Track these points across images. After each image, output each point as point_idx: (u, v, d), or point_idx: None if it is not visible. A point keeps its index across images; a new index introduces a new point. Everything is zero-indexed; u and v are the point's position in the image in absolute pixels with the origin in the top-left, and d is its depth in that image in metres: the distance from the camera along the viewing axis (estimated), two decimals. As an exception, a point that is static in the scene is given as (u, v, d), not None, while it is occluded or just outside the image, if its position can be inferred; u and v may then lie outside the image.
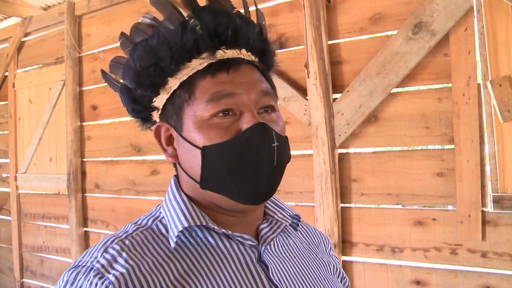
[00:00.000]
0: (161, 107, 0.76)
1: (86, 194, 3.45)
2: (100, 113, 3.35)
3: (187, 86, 0.72)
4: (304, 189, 2.41)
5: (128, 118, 3.15)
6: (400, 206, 2.17)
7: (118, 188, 3.24)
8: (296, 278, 0.77)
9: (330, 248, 0.95)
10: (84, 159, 3.45)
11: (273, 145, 0.70)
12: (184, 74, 0.72)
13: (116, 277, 0.64)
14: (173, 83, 0.73)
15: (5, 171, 4.17)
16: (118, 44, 0.81)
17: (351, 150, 2.29)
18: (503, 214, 1.91)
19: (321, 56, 2.25)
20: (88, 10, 3.37)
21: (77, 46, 3.41)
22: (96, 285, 0.64)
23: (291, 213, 0.84)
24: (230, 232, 0.72)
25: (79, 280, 0.65)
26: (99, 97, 3.33)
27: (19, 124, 3.92)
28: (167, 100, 0.75)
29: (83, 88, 3.44)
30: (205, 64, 0.72)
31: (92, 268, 0.66)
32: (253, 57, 0.76)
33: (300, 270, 0.79)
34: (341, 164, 2.29)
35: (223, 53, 0.72)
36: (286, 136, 0.75)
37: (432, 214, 2.08)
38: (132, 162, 3.18)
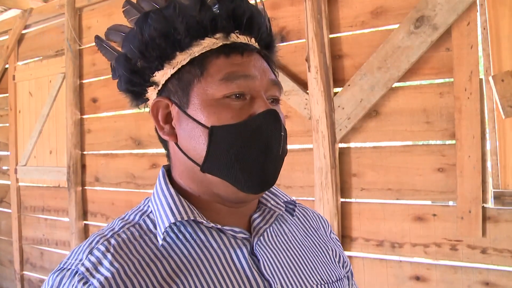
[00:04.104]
0: (162, 82, 0.73)
1: (86, 187, 3.44)
2: (100, 106, 3.34)
3: (199, 62, 0.70)
4: (304, 184, 2.40)
5: (129, 111, 3.15)
6: (400, 201, 2.16)
7: (118, 181, 3.24)
8: (290, 269, 0.74)
9: (330, 231, 0.92)
10: (84, 152, 3.44)
11: (281, 133, 0.70)
12: (195, 51, 0.70)
13: (101, 282, 0.62)
14: (182, 58, 0.71)
15: (5, 164, 4.17)
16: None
17: (351, 144, 2.28)
18: (504, 210, 1.90)
19: (322, 50, 2.23)
20: (88, 2, 3.35)
21: (78, 39, 3.39)
22: None
23: (285, 199, 0.82)
24: (220, 226, 0.70)
25: (64, 284, 0.64)
26: (100, 90, 3.32)
27: (19, 117, 3.91)
28: (171, 75, 0.72)
29: (84, 81, 3.42)
30: (220, 44, 0.71)
31: (77, 272, 0.64)
32: (259, 47, 0.76)
33: (295, 259, 0.77)
34: (342, 159, 2.28)
35: (236, 37, 0.72)
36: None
37: (433, 209, 2.07)
38: (132, 155, 3.18)
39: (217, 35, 0.71)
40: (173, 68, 0.71)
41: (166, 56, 0.71)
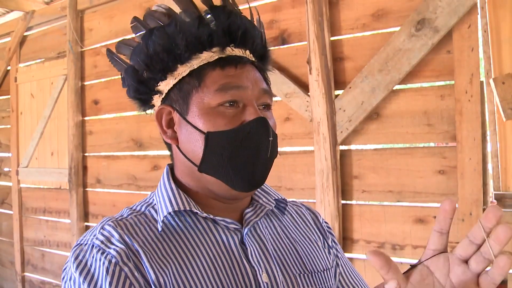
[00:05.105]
0: (165, 91, 0.81)
1: (87, 189, 3.45)
2: (101, 108, 3.34)
3: (197, 74, 0.78)
4: (305, 186, 2.40)
5: (130, 113, 3.16)
6: (401, 204, 2.16)
7: (119, 183, 3.24)
8: (275, 259, 0.81)
9: (322, 220, 0.98)
10: (86, 154, 3.45)
11: (269, 139, 0.78)
12: (194, 64, 0.78)
13: (117, 251, 0.71)
14: (182, 70, 0.79)
15: (7, 165, 4.17)
16: (129, 29, 0.85)
17: (352, 146, 2.29)
18: (505, 213, 1.90)
19: (323, 52, 2.24)
20: (90, 4, 3.36)
21: (79, 41, 3.40)
22: (100, 260, 0.71)
23: (276, 197, 0.90)
24: (212, 216, 0.78)
25: (83, 256, 0.73)
26: (101, 92, 3.33)
27: (21, 118, 3.92)
28: (173, 85, 0.80)
29: (85, 83, 3.43)
30: (216, 57, 0.78)
31: (93, 245, 0.73)
32: (253, 59, 0.83)
33: (281, 251, 0.83)
34: (343, 161, 2.28)
35: (231, 50, 0.80)
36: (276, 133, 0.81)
37: (433, 211, 2.07)
38: (134, 157, 3.18)
39: (214, 49, 0.78)
40: (175, 79, 0.79)
41: (169, 69, 0.79)
